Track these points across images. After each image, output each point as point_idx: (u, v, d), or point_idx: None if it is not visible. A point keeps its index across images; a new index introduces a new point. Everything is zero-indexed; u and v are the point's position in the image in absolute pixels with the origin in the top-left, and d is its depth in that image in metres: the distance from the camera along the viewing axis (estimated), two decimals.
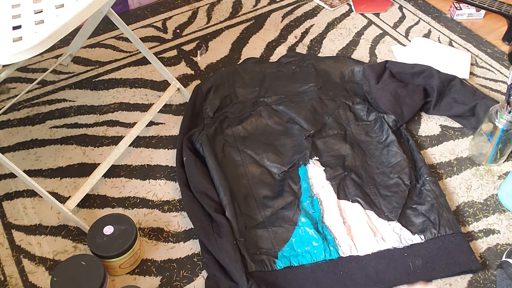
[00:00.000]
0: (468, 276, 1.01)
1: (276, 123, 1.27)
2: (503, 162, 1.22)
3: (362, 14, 1.69)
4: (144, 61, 1.48)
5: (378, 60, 1.50)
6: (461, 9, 1.65)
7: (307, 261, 1.01)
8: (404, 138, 1.24)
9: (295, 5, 1.72)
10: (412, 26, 1.64)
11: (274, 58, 1.51)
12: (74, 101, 1.37)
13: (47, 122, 1.30)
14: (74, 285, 0.90)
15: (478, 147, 1.22)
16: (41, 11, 0.92)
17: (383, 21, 1.66)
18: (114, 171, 1.20)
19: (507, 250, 1.02)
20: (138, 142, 1.26)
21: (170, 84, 1.34)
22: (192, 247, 1.06)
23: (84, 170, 1.20)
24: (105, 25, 1.59)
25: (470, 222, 1.10)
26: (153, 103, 1.29)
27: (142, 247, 1.04)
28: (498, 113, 1.12)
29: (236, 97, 1.33)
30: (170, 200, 1.15)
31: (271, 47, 1.55)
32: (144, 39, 1.57)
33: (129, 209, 1.12)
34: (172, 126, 1.31)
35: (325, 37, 1.59)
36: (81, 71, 1.46)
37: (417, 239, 1.04)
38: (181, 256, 1.05)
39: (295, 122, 1.26)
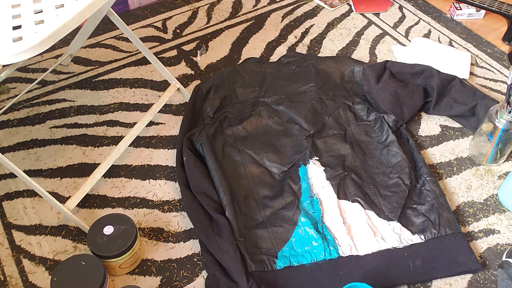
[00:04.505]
0: (468, 276, 1.01)
1: (276, 123, 1.27)
2: (503, 162, 1.22)
3: (362, 14, 1.69)
4: (144, 61, 1.48)
5: (378, 60, 1.50)
6: (461, 9, 1.65)
7: (307, 261, 1.01)
8: (404, 138, 1.24)
9: (295, 5, 1.72)
10: (412, 26, 1.64)
11: (274, 58, 1.51)
12: (74, 101, 1.37)
13: (47, 122, 1.30)
14: (74, 285, 0.90)
15: (478, 147, 1.22)
16: (41, 11, 0.92)
17: (383, 21, 1.66)
18: (114, 171, 1.20)
19: (507, 250, 1.02)
20: (138, 142, 1.27)
21: (170, 84, 1.34)
22: (192, 247, 1.06)
23: (84, 170, 1.20)
24: (105, 25, 1.59)
25: (470, 222, 1.10)
26: (153, 103, 1.29)
27: (142, 247, 1.04)
28: (498, 113, 1.12)
29: (236, 97, 1.33)
30: (170, 200, 1.15)
31: (271, 47, 1.55)
32: (144, 39, 1.57)
33: (129, 209, 1.12)
34: (172, 126, 1.31)
35: (325, 37, 1.59)
36: (81, 71, 1.46)
37: (417, 239, 1.04)
38: (181, 256, 1.05)
39: (295, 122, 1.26)
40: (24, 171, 1.09)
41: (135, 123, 1.26)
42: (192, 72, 1.46)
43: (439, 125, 1.31)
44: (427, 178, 1.13)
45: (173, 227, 1.09)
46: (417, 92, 1.30)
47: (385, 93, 1.29)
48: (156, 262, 1.03)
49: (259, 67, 1.42)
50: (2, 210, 1.12)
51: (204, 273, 1.02)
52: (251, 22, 1.65)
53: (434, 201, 1.09)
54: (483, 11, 1.65)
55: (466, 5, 1.65)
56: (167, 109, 1.35)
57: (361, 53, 1.53)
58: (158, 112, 1.31)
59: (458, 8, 1.65)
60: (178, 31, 1.61)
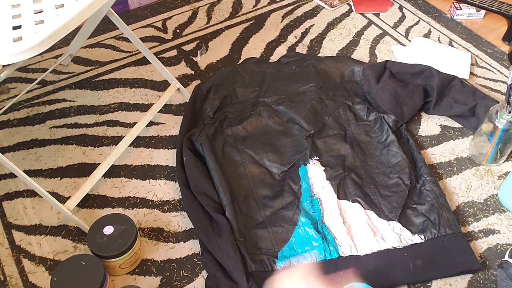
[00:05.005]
0: (468, 276, 1.01)
1: (276, 123, 1.27)
2: (503, 162, 1.22)
3: (362, 14, 1.69)
4: (144, 61, 1.48)
5: (378, 60, 1.50)
6: (461, 9, 1.65)
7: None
8: (404, 138, 1.24)
9: (295, 5, 1.72)
10: (412, 26, 1.64)
11: (274, 58, 1.51)
12: (74, 101, 1.37)
13: (47, 122, 1.30)
14: (74, 285, 0.90)
15: (478, 147, 1.22)
16: (41, 11, 0.92)
17: (383, 21, 1.66)
18: (114, 171, 1.20)
19: (509, 249, 1.02)
20: (138, 142, 1.27)
21: (170, 84, 1.34)
22: (192, 247, 1.06)
23: (84, 170, 1.20)
24: (105, 25, 1.59)
25: (470, 222, 1.10)
26: (153, 103, 1.29)
27: (142, 247, 1.04)
28: (498, 113, 1.12)
29: (236, 97, 1.33)
30: (170, 200, 1.15)
31: (271, 47, 1.55)
32: (144, 39, 1.57)
33: (129, 209, 1.12)
34: (172, 126, 1.31)
35: (325, 37, 1.59)
36: (81, 71, 1.46)
37: (417, 239, 1.04)
38: (181, 256, 1.05)
39: (295, 122, 1.26)
40: (24, 171, 1.09)
41: (135, 123, 1.26)
42: (192, 72, 1.46)
43: (439, 125, 1.31)
44: (427, 178, 1.13)
45: (173, 227, 1.09)
46: (417, 92, 1.30)
47: (385, 93, 1.29)
48: (156, 262, 1.03)
49: (259, 67, 1.42)
50: (2, 210, 1.12)
51: (204, 273, 1.02)
52: (251, 22, 1.65)
53: (434, 201, 1.09)
54: (483, 11, 1.65)
55: (466, 5, 1.65)
56: (167, 109, 1.35)
57: (361, 53, 1.53)
58: (158, 112, 1.31)
59: (458, 8, 1.65)
60: (178, 31, 1.61)
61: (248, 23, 1.64)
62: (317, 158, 1.18)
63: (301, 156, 1.18)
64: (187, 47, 1.55)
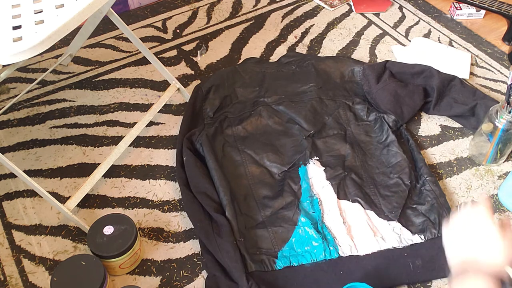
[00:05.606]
0: None
1: (276, 123, 1.27)
2: (503, 162, 1.22)
3: (362, 14, 1.69)
4: (144, 61, 1.48)
5: (378, 60, 1.50)
6: (461, 9, 1.65)
7: (307, 261, 1.01)
8: (404, 138, 1.24)
9: (295, 5, 1.72)
10: (412, 26, 1.64)
11: (274, 58, 1.51)
12: (74, 101, 1.37)
13: (47, 122, 1.30)
14: (74, 285, 0.90)
15: (478, 147, 1.22)
16: (41, 11, 0.92)
17: (383, 21, 1.66)
18: (114, 171, 1.20)
19: None
20: (138, 142, 1.26)
21: (170, 84, 1.34)
22: (192, 247, 1.06)
23: (84, 170, 1.20)
24: (105, 25, 1.59)
25: None
26: (153, 103, 1.29)
27: (142, 247, 1.04)
28: (498, 113, 1.12)
29: (236, 97, 1.33)
30: (170, 200, 1.15)
31: (271, 47, 1.55)
32: (144, 39, 1.57)
33: (129, 209, 1.12)
34: (172, 126, 1.31)
35: (325, 37, 1.59)
36: (81, 71, 1.46)
37: (417, 239, 1.04)
38: (181, 256, 1.05)
39: (295, 122, 1.26)
40: (24, 171, 1.09)
41: (135, 123, 1.26)
42: (192, 72, 1.46)
43: (439, 125, 1.31)
44: (427, 178, 1.13)
45: (173, 227, 1.09)
46: (417, 92, 1.30)
47: (385, 93, 1.29)
48: (156, 262, 1.03)
49: (259, 67, 1.42)
50: (2, 210, 1.12)
51: (204, 273, 1.02)
52: (251, 22, 1.65)
53: (434, 201, 1.09)
54: (483, 11, 1.65)
55: (466, 5, 1.65)
56: (167, 109, 1.35)
57: (361, 53, 1.53)
58: (158, 112, 1.31)
59: (458, 8, 1.65)
60: (178, 31, 1.61)
61: (248, 23, 1.64)
62: (317, 158, 1.18)
63: (301, 156, 1.18)
64: (187, 47, 1.55)
